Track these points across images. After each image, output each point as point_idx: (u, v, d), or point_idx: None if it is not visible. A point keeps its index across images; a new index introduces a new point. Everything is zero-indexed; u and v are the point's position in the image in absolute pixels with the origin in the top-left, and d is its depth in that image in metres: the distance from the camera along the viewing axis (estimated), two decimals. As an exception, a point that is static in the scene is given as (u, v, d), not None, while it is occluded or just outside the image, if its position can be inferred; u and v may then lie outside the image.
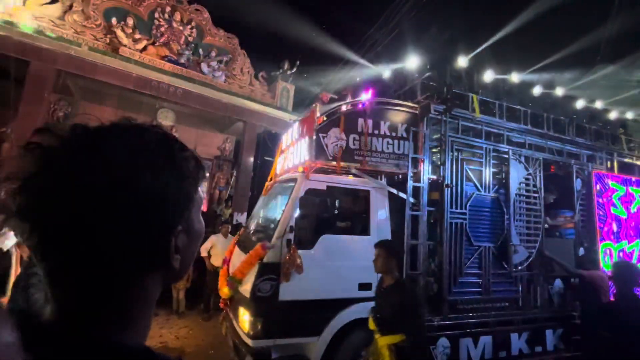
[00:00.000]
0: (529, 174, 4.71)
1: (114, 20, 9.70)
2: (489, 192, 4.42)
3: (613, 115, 5.94)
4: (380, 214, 3.95)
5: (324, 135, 3.84)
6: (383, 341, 2.77)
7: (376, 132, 4.06)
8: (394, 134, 4.12)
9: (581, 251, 4.96)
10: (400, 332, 2.64)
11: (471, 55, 4.61)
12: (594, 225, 5.01)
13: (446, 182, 4.12)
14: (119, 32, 9.73)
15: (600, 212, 5.07)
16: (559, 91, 5.33)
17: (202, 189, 0.67)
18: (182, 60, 10.70)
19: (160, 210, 0.49)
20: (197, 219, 0.58)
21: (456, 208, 4.18)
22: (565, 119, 5.21)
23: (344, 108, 3.95)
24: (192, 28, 11.00)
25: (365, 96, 4.14)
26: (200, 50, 11.12)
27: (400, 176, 4.27)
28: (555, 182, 5.38)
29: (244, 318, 3.42)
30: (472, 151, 4.47)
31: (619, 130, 6.05)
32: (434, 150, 4.42)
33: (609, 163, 5.66)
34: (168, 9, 10.61)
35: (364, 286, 3.73)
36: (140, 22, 10.13)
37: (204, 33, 11.27)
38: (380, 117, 4.10)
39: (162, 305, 6.16)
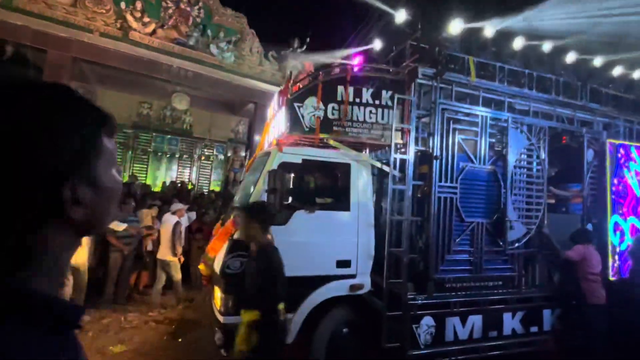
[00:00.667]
0: (531, 144, 4.08)
1: (122, 5, 9.42)
2: (484, 164, 3.87)
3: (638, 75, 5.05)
4: (362, 188, 3.54)
5: (300, 105, 3.41)
6: (244, 318, 2.42)
7: (357, 100, 3.58)
8: (377, 102, 3.63)
9: (589, 227, 4.34)
10: (256, 308, 2.25)
11: (468, 12, 3.93)
12: (604, 199, 4.35)
13: (435, 154, 3.61)
14: (129, 16, 9.47)
15: (613, 186, 4.39)
16: (572, 54, 4.53)
17: (112, 142, 0.55)
18: (191, 42, 10.36)
19: (47, 159, 0.45)
20: (104, 172, 0.53)
21: (446, 182, 3.68)
22: (578, 83, 4.45)
23: (321, 75, 3.48)
24: (199, 9, 10.56)
25: (347, 62, 3.64)
26: (209, 32, 10.70)
27: (387, 148, 3.81)
28: (564, 153, 4.70)
29: (217, 295, 3.19)
30: (467, 120, 3.90)
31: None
32: (423, 119, 3.88)
33: (628, 132, 4.87)
34: (174, -10, 10.20)
35: (342, 263, 3.39)
36: (148, 5, 9.80)
37: (212, 13, 10.81)
38: (363, 84, 3.61)
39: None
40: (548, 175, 4.29)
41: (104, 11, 9.30)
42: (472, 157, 3.82)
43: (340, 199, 3.49)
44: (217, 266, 3.12)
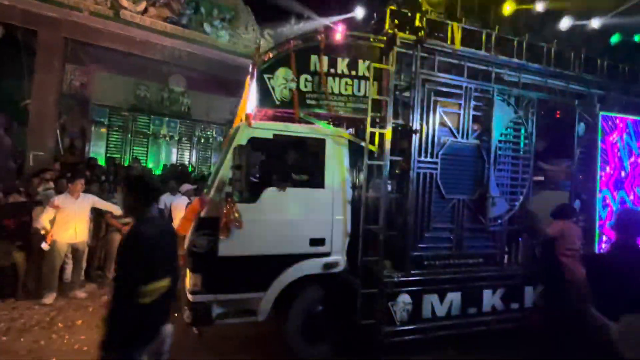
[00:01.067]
0: (519, 117, 3.76)
1: (112, -17, 8.95)
2: (467, 138, 3.58)
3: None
4: (337, 164, 3.29)
5: (270, 76, 3.12)
6: None
7: (332, 71, 3.28)
8: (353, 73, 3.33)
9: (577, 204, 4.07)
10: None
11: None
12: (594, 174, 4.05)
13: (414, 128, 3.33)
14: (119, -4, 9.02)
15: (604, 160, 4.08)
16: (566, 19, 4.11)
17: None
18: (184, 21, 9.90)
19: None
20: None
21: (426, 157, 3.42)
22: (571, 52, 4.06)
23: (293, 44, 3.17)
24: (199, -16, 10.01)
25: (321, 30, 3.31)
26: (202, 9, 10.19)
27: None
28: (555, 127, 4.37)
29: (188, 274, 3.04)
30: (450, 92, 3.58)
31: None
32: (404, 92, 3.58)
33: (624, 104, 4.49)
34: (165, -33, 9.65)
35: (316, 241, 3.20)
36: (138, -18, 9.30)
37: (212, -12, 10.23)
38: (338, 54, 3.29)
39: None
40: (536, 150, 3.99)
41: (94, -11, 8.84)
42: (454, 131, 3.53)
43: (314, 176, 3.26)
44: (185, 245, 2.96)
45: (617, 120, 4.20)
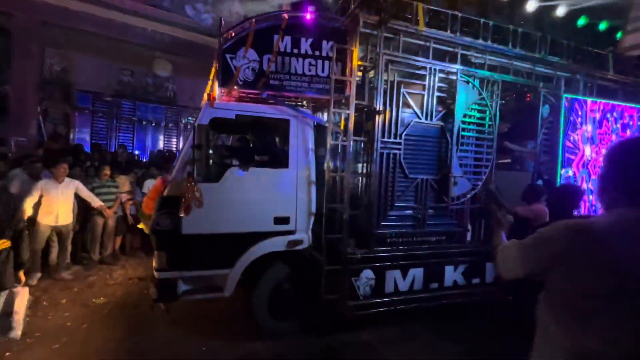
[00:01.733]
0: (482, 98, 3.80)
1: (89, -36, 8.64)
2: (431, 119, 3.62)
3: (604, 28, 4.64)
4: (301, 144, 3.32)
5: (232, 56, 3.11)
6: None
7: (296, 51, 3.26)
8: (317, 54, 3.32)
9: (539, 183, 4.17)
10: None
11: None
12: (556, 155, 4.15)
13: (377, 109, 3.35)
14: (101, -23, 8.72)
15: (568, 142, 4.16)
16: (533, 1, 4.10)
17: None
18: (166, 4, 9.64)
19: None
20: None
21: (389, 137, 3.46)
22: (537, 34, 4.07)
23: (255, 23, 3.14)
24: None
25: (285, 10, 3.28)
26: (184, -8, 9.91)
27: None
28: (520, 108, 4.43)
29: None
30: (414, 72, 3.60)
31: (608, 49, 4.80)
32: (370, 73, 3.58)
33: (589, 87, 4.55)
34: (144, -53, 9.32)
35: (281, 220, 3.25)
36: (118, -37, 8.99)
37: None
38: (301, 34, 3.28)
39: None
40: (501, 131, 4.05)
41: (71, -30, 8.53)
42: (418, 112, 3.56)
43: (278, 156, 3.29)
44: (149, 224, 2.99)
45: (579, 103, 4.26)
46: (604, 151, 4.21)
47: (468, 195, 3.78)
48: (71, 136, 10.72)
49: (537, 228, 3.10)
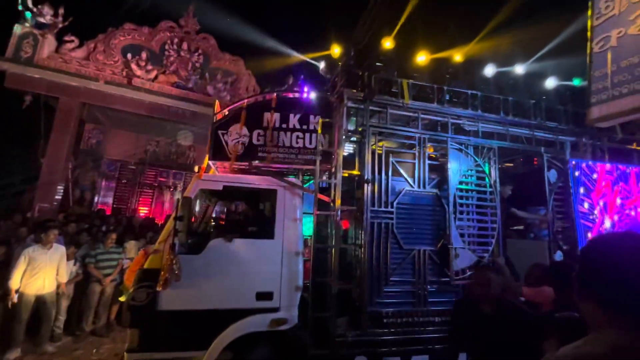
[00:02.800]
0: (477, 165, 3.74)
1: (129, 56, 10.17)
2: (424, 187, 3.56)
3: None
4: (288, 214, 3.30)
5: (224, 132, 3.33)
6: None
7: (284, 126, 3.46)
8: (304, 127, 3.49)
9: (558, 255, 3.81)
10: None
11: (398, 36, 3.82)
12: (573, 223, 3.85)
13: (366, 177, 3.36)
14: (134, 66, 10.18)
15: (582, 208, 3.89)
16: (519, 69, 4.27)
17: None
18: (190, 85, 10.90)
19: None
20: None
21: (380, 206, 3.39)
22: (529, 101, 4.13)
23: (247, 102, 3.42)
24: (199, 55, 11.22)
25: (275, 89, 3.58)
26: (207, 74, 11.25)
27: (327, 173, 3.62)
28: (525, 174, 4.29)
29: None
30: (403, 142, 3.66)
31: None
32: (357, 143, 3.68)
33: (599, 151, 4.41)
34: (177, 40, 10.95)
35: (263, 296, 3.08)
36: (152, 54, 10.52)
37: (210, 58, 11.43)
38: (290, 110, 3.51)
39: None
40: (505, 195, 3.89)
41: (113, 62, 10.04)
42: (409, 180, 3.53)
43: (263, 227, 3.26)
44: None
45: (595, 167, 4.08)
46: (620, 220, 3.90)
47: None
48: (95, 201, 11.44)
49: (549, 313, 2.63)
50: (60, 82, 9.27)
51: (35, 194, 8.90)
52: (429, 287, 3.37)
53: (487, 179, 3.79)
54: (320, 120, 3.37)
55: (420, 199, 3.53)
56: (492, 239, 3.63)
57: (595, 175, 4.07)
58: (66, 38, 9.51)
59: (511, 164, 4.85)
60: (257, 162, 3.27)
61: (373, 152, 3.44)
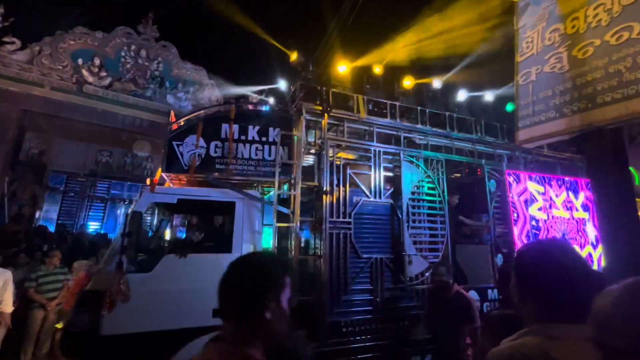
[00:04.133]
0: (428, 176, 3.91)
1: (80, 61, 9.40)
2: (380, 197, 3.63)
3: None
4: (247, 226, 3.17)
5: (179, 143, 3.14)
6: None
7: (243, 137, 3.36)
8: (264, 139, 3.42)
9: (499, 258, 4.07)
10: None
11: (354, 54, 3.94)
12: (510, 228, 4.14)
13: (324, 188, 3.34)
14: (85, 72, 9.42)
15: (516, 215, 4.22)
16: (463, 92, 4.59)
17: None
18: (148, 94, 10.31)
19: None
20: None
21: (338, 217, 3.38)
22: (471, 118, 4.45)
23: (204, 113, 3.27)
24: (158, 63, 10.69)
25: (234, 101, 3.47)
26: (167, 83, 10.73)
27: (286, 186, 3.54)
28: (471, 184, 4.57)
29: None
30: (359, 154, 3.73)
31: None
32: (316, 155, 3.68)
33: (530, 163, 4.83)
34: (134, 47, 10.35)
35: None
36: (106, 60, 9.82)
37: (171, 67, 10.92)
38: (249, 122, 3.42)
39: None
40: (452, 204, 4.09)
41: (61, 67, 9.21)
42: (366, 191, 3.58)
43: (220, 240, 3.10)
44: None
45: (526, 177, 4.45)
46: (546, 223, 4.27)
47: (426, 274, 3.59)
48: (36, 216, 10.21)
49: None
50: (-2, 87, 8.28)
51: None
52: (386, 293, 3.39)
53: (437, 189, 3.95)
54: (282, 133, 3.31)
55: (376, 209, 3.59)
56: (442, 245, 3.77)
57: (523, 184, 4.42)
58: (5, 39, 8.54)
59: (458, 175, 5.15)
60: (216, 174, 3.10)
61: (331, 164, 3.44)
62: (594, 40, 2.21)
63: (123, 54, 10.17)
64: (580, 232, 4.49)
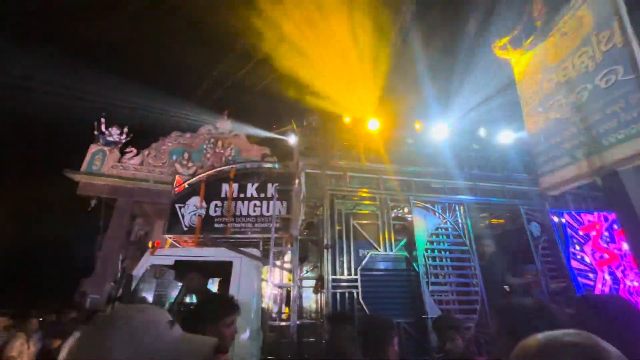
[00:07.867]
0: (446, 221, 2.97)
1: (174, 157, 10.92)
2: (391, 250, 2.78)
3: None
4: (244, 286, 2.61)
5: (181, 205, 2.94)
6: None
7: (242, 195, 3.03)
8: (262, 195, 3.04)
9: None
10: None
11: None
12: (570, 280, 2.76)
13: (325, 243, 2.68)
14: (177, 165, 10.83)
15: (576, 262, 2.84)
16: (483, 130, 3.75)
17: None
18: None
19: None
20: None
21: (342, 274, 2.62)
22: (492, 156, 3.50)
23: (206, 175, 3.10)
24: (231, 149, 11.81)
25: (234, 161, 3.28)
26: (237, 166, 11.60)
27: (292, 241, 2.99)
28: (505, 229, 3.39)
29: None
30: (364, 203, 3.05)
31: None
32: (319, 209, 3.11)
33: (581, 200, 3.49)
34: (212, 140, 11.75)
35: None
36: (193, 153, 11.24)
37: (240, 151, 11.93)
38: (247, 180, 3.12)
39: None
40: (488, 252, 2.96)
41: (161, 164, 10.74)
42: (374, 243, 2.80)
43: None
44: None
45: (570, 216, 3.14)
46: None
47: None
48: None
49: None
50: (119, 185, 9.87)
51: (90, 285, 8.57)
52: (408, 369, 2.31)
53: (462, 237, 2.95)
54: (283, 189, 2.91)
55: (387, 263, 2.73)
56: (475, 305, 2.60)
57: (579, 226, 3.10)
58: (127, 150, 10.46)
59: (502, 220, 3.95)
60: (208, 234, 2.74)
61: (332, 216, 2.83)
62: (586, 85, 2.04)
63: (205, 146, 11.58)
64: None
